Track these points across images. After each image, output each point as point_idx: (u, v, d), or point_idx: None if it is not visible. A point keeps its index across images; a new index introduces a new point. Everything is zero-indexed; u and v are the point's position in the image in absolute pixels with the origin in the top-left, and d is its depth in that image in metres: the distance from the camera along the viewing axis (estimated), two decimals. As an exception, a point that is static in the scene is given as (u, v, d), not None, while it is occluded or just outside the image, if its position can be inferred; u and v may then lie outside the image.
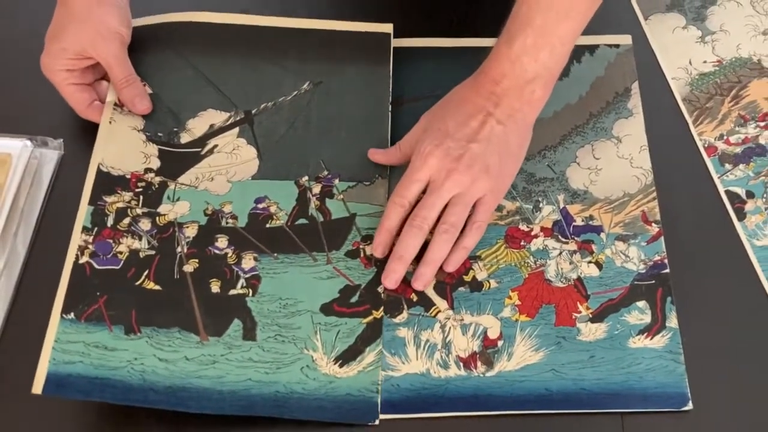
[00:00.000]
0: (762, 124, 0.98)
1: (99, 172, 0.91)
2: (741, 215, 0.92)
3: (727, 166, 0.95)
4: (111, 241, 0.87)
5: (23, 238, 0.90)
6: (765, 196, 0.93)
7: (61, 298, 0.83)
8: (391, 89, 0.98)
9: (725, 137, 0.97)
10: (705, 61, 1.03)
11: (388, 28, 1.01)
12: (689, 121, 0.98)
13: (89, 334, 0.82)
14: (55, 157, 0.95)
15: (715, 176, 0.94)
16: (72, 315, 0.83)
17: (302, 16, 1.02)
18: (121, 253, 0.87)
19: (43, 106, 0.98)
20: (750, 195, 0.93)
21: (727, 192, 0.93)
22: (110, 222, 0.88)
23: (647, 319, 0.85)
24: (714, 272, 0.89)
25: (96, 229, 0.88)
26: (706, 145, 0.96)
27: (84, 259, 0.86)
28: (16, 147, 0.94)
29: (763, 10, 1.06)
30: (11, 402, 0.82)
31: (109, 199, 0.90)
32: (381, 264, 0.88)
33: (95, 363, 0.80)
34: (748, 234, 0.91)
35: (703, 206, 0.93)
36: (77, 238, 0.87)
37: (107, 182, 0.91)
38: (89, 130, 0.95)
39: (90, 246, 0.87)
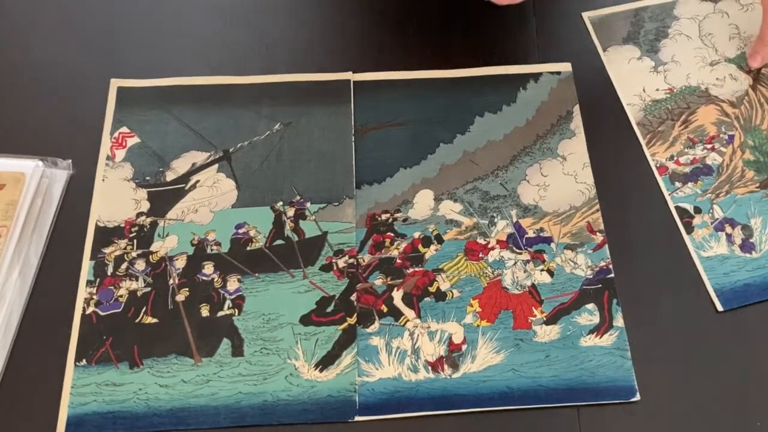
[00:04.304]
0: (709, 146, 1.01)
1: (97, 228, 0.94)
2: (689, 229, 0.95)
3: (677, 184, 0.98)
4: (112, 287, 0.91)
5: (36, 249, 0.93)
6: (711, 211, 0.96)
7: (73, 347, 0.87)
8: (353, 123, 1.02)
9: (675, 158, 1.00)
10: (657, 89, 1.05)
11: (348, 75, 1.05)
12: (643, 143, 1.01)
13: (99, 375, 0.86)
14: (65, 176, 0.97)
15: (666, 193, 0.97)
16: (84, 362, 0.86)
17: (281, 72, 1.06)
18: (121, 296, 0.90)
19: (54, 129, 1.01)
20: (697, 211, 0.96)
21: (677, 208, 0.96)
22: (110, 270, 0.92)
23: (596, 319, 0.89)
24: (665, 279, 0.92)
25: (98, 280, 0.91)
26: (657, 165, 0.99)
27: (90, 310, 0.89)
28: (29, 167, 0.96)
29: (710, 43, 1.09)
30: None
31: (107, 250, 0.93)
32: (352, 275, 0.92)
33: (107, 399, 0.84)
34: (695, 246, 0.94)
35: (656, 220, 0.96)
36: (82, 291, 0.90)
37: (104, 235, 0.94)
38: (96, 152, 0.99)
39: (94, 296, 0.90)
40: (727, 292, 0.91)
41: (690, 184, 0.99)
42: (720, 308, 0.90)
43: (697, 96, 1.05)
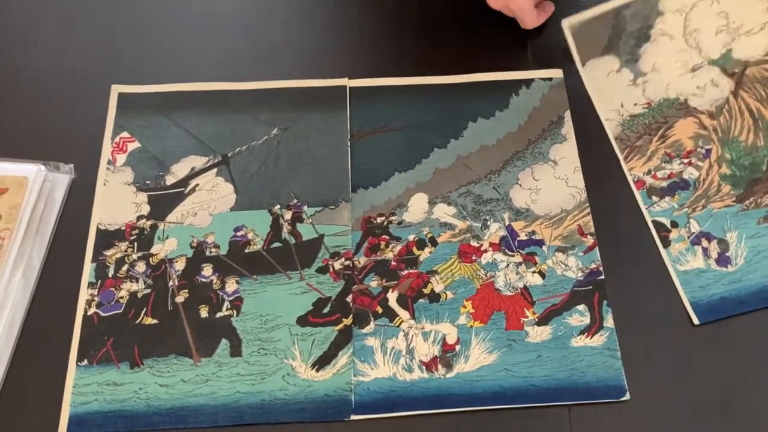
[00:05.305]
0: (686, 160, 1.01)
1: (98, 231, 0.96)
2: (666, 243, 0.95)
3: (654, 198, 0.98)
4: (113, 289, 0.92)
5: (38, 251, 0.94)
6: (687, 226, 0.96)
7: (75, 348, 0.88)
8: (349, 128, 1.03)
9: (653, 172, 1.00)
10: (635, 104, 1.05)
11: (344, 81, 1.06)
12: (620, 157, 1.01)
13: (101, 375, 0.87)
14: (67, 180, 0.98)
15: (643, 207, 0.98)
16: (85, 362, 0.88)
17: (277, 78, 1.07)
18: (122, 298, 0.92)
19: (56, 134, 1.02)
20: (674, 225, 0.97)
21: (654, 222, 0.97)
22: (111, 272, 0.93)
23: (587, 320, 0.90)
24: (643, 292, 0.93)
25: (99, 282, 0.93)
26: (635, 180, 0.99)
27: (92, 311, 0.91)
28: (31, 171, 0.97)
29: (695, 42, 1.07)
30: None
31: (108, 252, 0.95)
32: (348, 277, 0.93)
33: (108, 399, 0.86)
34: (672, 259, 0.94)
35: (633, 235, 0.96)
36: (84, 293, 0.92)
37: (106, 238, 0.95)
38: (97, 157, 1.01)
39: (96, 298, 0.92)
40: (704, 306, 0.92)
41: (667, 199, 0.99)
42: (696, 321, 0.91)
43: (676, 108, 1.05)
